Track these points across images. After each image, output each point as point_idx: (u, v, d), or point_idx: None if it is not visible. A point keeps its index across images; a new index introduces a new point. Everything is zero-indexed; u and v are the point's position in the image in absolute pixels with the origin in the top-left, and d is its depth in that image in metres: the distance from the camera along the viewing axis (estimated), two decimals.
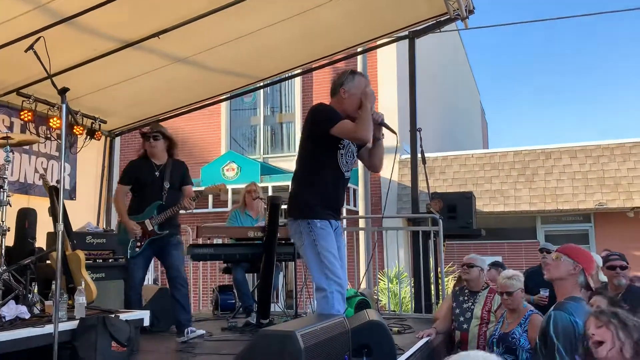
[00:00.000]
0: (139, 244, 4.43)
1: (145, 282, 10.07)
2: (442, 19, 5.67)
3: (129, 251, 4.44)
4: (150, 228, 4.43)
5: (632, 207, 10.31)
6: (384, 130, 3.29)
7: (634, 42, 52.12)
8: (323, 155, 3.23)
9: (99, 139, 6.55)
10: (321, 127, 3.18)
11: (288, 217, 3.30)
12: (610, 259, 4.28)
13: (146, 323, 3.98)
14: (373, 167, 3.43)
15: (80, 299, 3.53)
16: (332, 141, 3.20)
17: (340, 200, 3.38)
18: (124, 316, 3.66)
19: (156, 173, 4.48)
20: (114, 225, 7.61)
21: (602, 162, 10.81)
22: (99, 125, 6.48)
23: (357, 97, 3.22)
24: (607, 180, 10.60)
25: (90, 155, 6.69)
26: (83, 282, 3.82)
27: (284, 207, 4.35)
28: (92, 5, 4.13)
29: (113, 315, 3.56)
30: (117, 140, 7.89)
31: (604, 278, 4.67)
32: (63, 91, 3.02)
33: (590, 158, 10.95)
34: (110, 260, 5.19)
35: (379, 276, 9.44)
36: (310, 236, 3.13)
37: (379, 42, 6.66)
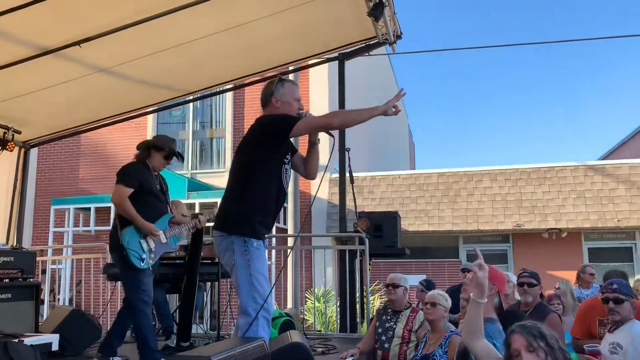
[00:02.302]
0: (152, 255, 4.06)
1: (60, 302, 9.52)
2: (371, 42, 5.79)
3: (137, 260, 3.95)
4: (164, 240, 4.15)
5: (547, 228, 10.90)
6: (320, 134, 3.20)
7: (551, 71, 55.80)
8: (268, 170, 3.06)
9: (11, 150, 6.13)
10: (281, 131, 3.01)
11: (218, 232, 3.06)
12: (520, 277, 4.49)
13: (55, 347, 3.73)
14: (310, 174, 3.31)
15: None
16: (279, 156, 3.09)
17: (276, 217, 3.27)
18: (29, 340, 3.41)
19: (157, 185, 4.25)
20: (25, 242, 7.16)
21: (520, 185, 11.38)
22: (12, 135, 6.07)
23: (290, 104, 3.13)
24: (524, 203, 11.16)
25: (2, 168, 6.24)
26: None
27: (208, 224, 4.25)
28: (9, 7, 3.90)
29: (17, 340, 3.31)
30: (34, 152, 7.45)
31: (519, 297, 4.87)
32: None
33: (509, 181, 11.50)
34: (19, 280, 4.85)
35: (306, 295, 9.40)
36: (244, 255, 2.96)
37: (310, 62, 6.73)
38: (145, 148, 4.34)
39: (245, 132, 3.26)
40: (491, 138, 67.03)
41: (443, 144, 66.41)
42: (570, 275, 8.09)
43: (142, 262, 3.98)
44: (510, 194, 11.34)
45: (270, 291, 3.07)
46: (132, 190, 4.03)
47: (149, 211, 4.07)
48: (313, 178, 3.36)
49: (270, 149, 3.05)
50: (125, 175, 4.11)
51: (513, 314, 4.24)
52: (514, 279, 5.16)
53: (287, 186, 3.23)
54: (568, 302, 5.90)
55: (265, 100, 3.20)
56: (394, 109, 3.03)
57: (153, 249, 4.07)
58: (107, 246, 6.18)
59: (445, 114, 64.52)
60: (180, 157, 4.54)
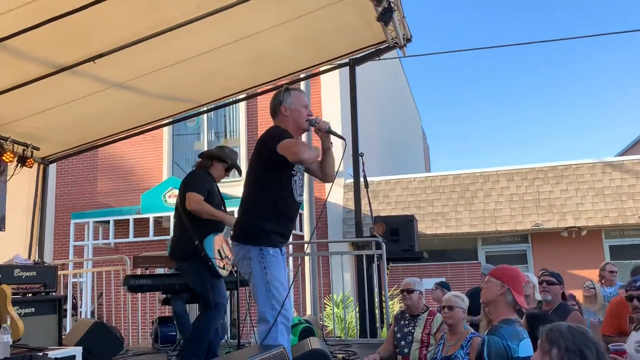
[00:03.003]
0: (228, 261, 4.13)
1: (83, 315, 9.62)
2: (381, 46, 5.81)
3: (219, 269, 4.03)
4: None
5: (566, 227, 10.77)
6: (332, 137, 3.23)
7: (567, 70, 55.28)
8: (276, 183, 3.13)
9: (31, 167, 6.25)
10: (267, 146, 3.09)
11: (236, 242, 3.15)
12: (541, 275, 4.45)
13: None
14: (326, 177, 3.34)
15: (5, 338, 3.31)
16: (285, 167, 3.12)
17: (293, 226, 3.32)
18: (53, 354, 3.46)
19: (217, 192, 4.32)
20: (47, 257, 7.26)
21: (537, 184, 11.27)
22: (32, 152, 6.19)
23: (299, 111, 3.19)
24: (542, 202, 11.05)
25: (22, 184, 6.37)
26: (8, 319, 3.59)
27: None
28: (24, 27, 3.99)
29: (41, 354, 3.36)
30: (52, 167, 7.58)
31: (539, 297, 4.82)
32: None
33: (526, 180, 11.40)
34: (41, 294, 4.92)
35: (325, 301, 9.39)
36: (261, 263, 3.01)
37: (321, 69, 6.76)
38: (209, 158, 4.41)
39: None
40: (506, 138, 66.52)
41: (458, 146, 66.06)
42: (591, 274, 8.00)
43: (223, 270, 4.10)
44: (527, 194, 11.24)
45: (286, 297, 3.08)
46: (203, 197, 4.10)
47: (215, 220, 4.12)
48: (330, 181, 3.38)
49: (272, 163, 3.11)
50: (197, 182, 4.19)
51: (538, 316, 4.19)
52: (534, 279, 5.11)
53: (299, 195, 3.24)
54: (599, 301, 5.85)
55: (275, 110, 3.26)
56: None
57: (228, 256, 4.16)
58: (127, 258, 6.29)
59: (460, 115, 64.19)
60: (239, 170, 4.60)
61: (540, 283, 4.42)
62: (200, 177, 4.27)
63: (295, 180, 3.18)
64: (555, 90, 58.51)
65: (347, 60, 6.30)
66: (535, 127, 63.23)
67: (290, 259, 9.24)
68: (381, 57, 6.21)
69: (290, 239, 3.63)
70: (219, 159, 4.39)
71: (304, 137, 3.59)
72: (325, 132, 3.14)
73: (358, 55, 6.17)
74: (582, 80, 56.23)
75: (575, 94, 57.79)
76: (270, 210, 3.11)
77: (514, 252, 11.68)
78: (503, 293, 2.86)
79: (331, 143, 3.25)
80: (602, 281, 6.62)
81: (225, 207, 4.44)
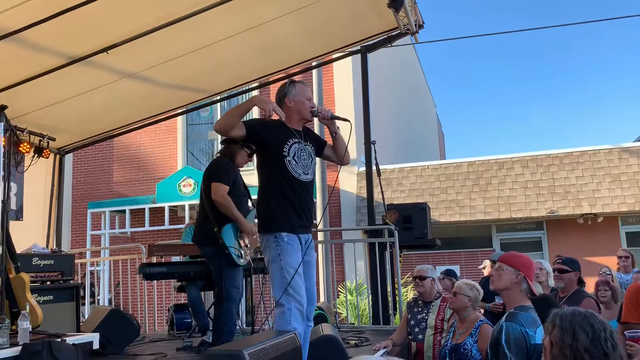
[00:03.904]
0: (248, 250, 4.19)
1: (100, 304, 9.78)
2: (393, 33, 5.77)
3: (237, 258, 4.09)
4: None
5: (582, 213, 10.67)
6: (338, 122, 3.38)
7: (581, 54, 54.39)
8: (271, 165, 3.24)
9: (47, 157, 6.33)
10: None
11: (258, 233, 3.30)
12: (555, 263, 4.42)
13: (96, 346, 3.87)
14: (340, 160, 3.49)
15: (24, 324, 3.39)
16: (274, 149, 3.21)
17: (307, 207, 3.32)
18: (71, 340, 3.54)
19: (240, 180, 4.37)
20: (64, 246, 7.39)
21: (552, 171, 11.17)
22: (47, 142, 6.28)
23: (303, 102, 3.32)
24: (557, 189, 10.95)
25: (39, 174, 6.47)
26: (28, 306, 3.68)
27: None
28: (36, 20, 4.03)
29: (59, 340, 3.44)
30: (69, 157, 7.68)
31: (553, 284, 4.80)
32: (0, 109, 2.92)
33: (540, 167, 11.29)
34: (59, 282, 5.02)
35: (339, 289, 9.44)
36: (275, 250, 3.10)
37: (333, 56, 6.73)
38: (231, 142, 4.43)
39: None
40: (521, 125, 65.77)
41: (474, 134, 65.47)
42: (608, 261, 7.93)
43: (242, 260, 4.13)
44: (542, 180, 11.14)
45: (311, 284, 3.17)
46: (229, 187, 4.15)
47: (237, 208, 4.17)
48: (347, 162, 3.53)
49: (265, 150, 3.27)
50: (222, 173, 4.22)
51: (545, 301, 4.19)
52: (548, 266, 5.09)
53: (303, 174, 3.28)
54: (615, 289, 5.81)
55: (279, 102, 3.38)
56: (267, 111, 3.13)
57: (248, 245, 4.21)
58: (143, 247, 6.37)
59: (474, 101, 63.56)
60: None
61: (554, 271, 4.42)
62: (225, 167, 4.30)
63: (289, 161, 3.23)
64: (571, 75, 57.65)
65: (358, 47, 6.27)
66: (551, 113, 62.44)
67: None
68: (393, 44, 6.17)
69: None
70: (241, 144, 4.42)
71: (310, 127, 3.63)
72: (329, 119, 3.32)
73: (370, 43, 6.14)
74: (599, 64, 55.31)
75: (592, 78, 56.90)
76: (277, 195, 3.21)
77: (529, 239, 11.62)
78: (518, 281, 2.86)
79: (338, 127, 3.40)
80: (619, 268, 6.58)
81: (250, 196, 4.48)
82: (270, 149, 3.23)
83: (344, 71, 11.51)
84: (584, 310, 1.97)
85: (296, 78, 7.86)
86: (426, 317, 4.29)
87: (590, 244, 10.63)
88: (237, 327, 5.62)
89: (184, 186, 11.08)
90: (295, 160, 3.25)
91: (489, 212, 11.12)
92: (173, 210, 11.44)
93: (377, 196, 6.72)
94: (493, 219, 11.22)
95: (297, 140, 3.30)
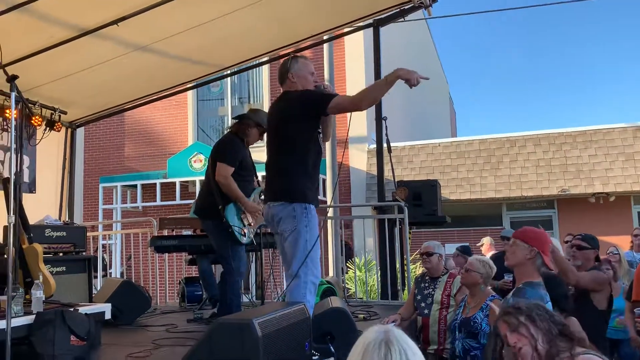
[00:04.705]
0: (251, 229, 4.22)
1: (114, 275, 9.94)
2: (406, 6, 5.69)
3: (240, 236, 4.13)
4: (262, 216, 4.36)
5: (594, 192, 10.59)
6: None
7: (598, 30, 53.36)
8: (307, 142, 3.23)
9: (59, 131, 6.36)
10: (320, 107, 3.17)
11: (277, 202, 3.19)
12: (573, 239, 4.36)
13: (108, 316, 3.93)
14: (326, 136, 3.48)
15: (38, 293, 3.45)
16: (314, 127, 3.23)
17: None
18: (83, 309, 3.59)
19: (249, 159, 4.38)
20: (76, 219, 7.47)
21: (564, 149, 11.05)
22: (59, 116, 6.30)
23: (306, 78, 3.30)
24: (569, 167, 10.85)
25: (51, 147, 6.50)
26: (41, 276, 3.73)
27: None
28: None
29: (72, 309, 3.49)
30: (80, 131, 7.71)
31: None
32: (12, 79, 2.92)
33: (553, 145, 11.18)
34: (72, 254, 5.09)
35: (347, 265, 9.49)
36: (303, 221, 3.10)
37: (344, 30, 6.65)
38: (242, 119, 4.43)
39: None
40: (534, 102, 65.00)
41: (486, 111, 64.85)
42: (620, 240, 7.88)
43: (244, 237, 4.17)
44: (554, 159, 11.04)
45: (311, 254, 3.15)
46: (234, 168, 4.16)
47: (242, 186, 4.19)
48: (327, 140, 3.55)
49: (308, 122, 3.22)
50: (228, 154, 4.23)
51: (550, 279, 4.17)
52: (558, 244, 5.06)
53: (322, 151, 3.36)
54: (623, 267, 5.77)
55: (282, 77, 3.39)
56: (413, 80, 3.12)
57: (252, 223, 4.24)
58: (154, 220, 6.42)
59: (487, 78, 62.82)
60: None
61: (570, 247, 4.37)
62: (232, 146, 4.29)
63: (319, 136, 3.30)
64: (585, 52, 56.68)
65: (370, 21, 6.18)
66: (564, 90, 61.61)
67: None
68: (406, 18, 6.08)
69: None
70: (254, 123, 4.41)
71: None
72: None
73: (382, 16, 6.05)
74: (613, 41, 54.27)
75: (606, 55, 55.89)
76: (307, 167, 3.21)
77: (540, 217, 11.56)
78: (532, 257, 2.85)
79: None
80: (632, 247, 6.54)
81: (256, 174, 4.48)
82: (314, 124, 3.23)
83: (356, 46, 11.38)
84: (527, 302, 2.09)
85: (307, 52, 7.82)
86: (432, 292, 4.31)
87: (601, 223, 10.56)
88: (247, 300, 5.70)
89: (194, 162, 11.12)
90: (319, 137, 3.32)
91: (500, 190, 11.06)
92: (184, 185, 11.51)
93: (387, 173, 6.70)
94: (504, 197, 11.17)
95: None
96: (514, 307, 2.10)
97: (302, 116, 3.20)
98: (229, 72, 6.99)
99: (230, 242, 4.15)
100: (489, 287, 3.97)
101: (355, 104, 3.16)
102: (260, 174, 4.39)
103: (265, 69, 11.96)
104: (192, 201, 9.49)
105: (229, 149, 4.27)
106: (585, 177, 10.68)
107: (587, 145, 10.96)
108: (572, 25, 56.77)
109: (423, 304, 4.33)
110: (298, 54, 3.52)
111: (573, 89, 60.89)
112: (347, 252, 9.25)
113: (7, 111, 5.63)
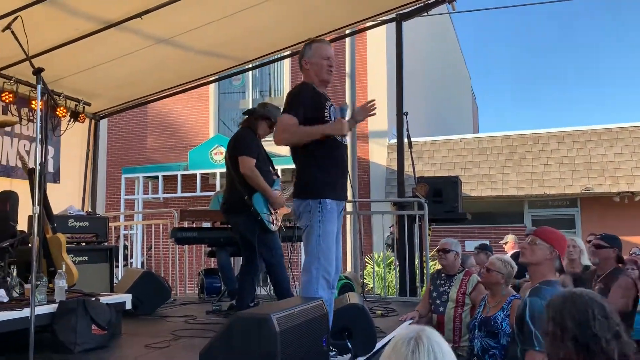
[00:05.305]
0: (271, 218, 4.22)
1: (133, 266, 10.06)
2: (430, 1, 5.63)
3: (269, 224, 4.14)
4: (287, 209, 4.37)
5: (619, 191, 10.40)
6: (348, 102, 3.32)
7: (626, 28, 52.20)
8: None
9: (82, 122, 6.46)
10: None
11: (296, 198, 3.17)
12: (593, 239, 4.31)
13: (128, 306, 3.98)
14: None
15: (61, 282, 3.51)
16: (317, 114, 3.11)
17: (347, 171, 3.31)
18: (104, 299, 3.64)
19: (263, 150, 4.41)
20: (99, 210, 7.57)
21: (589, 147, 10.86)
22: (83, 107, 6.40)
23: (317, 63, 3.19)
24: (594, 165, 10.66)
25: (75, 138, 6.61)
26: (64, 265, 3.79)
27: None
28: None
29: (94, 299, 3.55)
30: (104, 123, 7.80)
31: (586, 262, 4.71)
32: (38, 71, 2.96)
33: (577, 143, 11.00)
34: (94, 244, 5.17)
35: (366, 260, 9.48)
36: (317, 216, 3.04)
37: (367, 25, 6.61)
38: (254, 116, 4.43)
39: None
40: (558, 99, 63.93)
41: (508, 107, 64.04)
42: None
43: (273, 225, 4.18)
44: (578, 157, 10.85)
45: (338, 252, 3.16)
46: (255, 159, 4.16)
47: (264, 177, 4.19)
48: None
49: (302, 120, 3.10)
50: (247, 146, 4.23)
51: (576, 279, 4.12)
52: (580, 243, 4.99)
53: (342, 138, 3.23)
54: None
55: (300, 65, 3.31)
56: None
57: (277, 211, 4.26)
58: (175, 212, 6.48)
59: (511, 74, 61.99)
60: None
61: (591, 247, 4.32)
62: (249, 139, 4.29)
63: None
64: (612, 47, 55.53)
65: (393, 15, 6.14)
66: (590, 87, 60.49)
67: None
68: (430, 13, 6.02)
69: None
70: (262, 116, 4.41)
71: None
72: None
73: (405, 11, 6.00)
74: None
75: (637, 51, 54.66)
76: (323, 160, 3.11)
77: (562, 216, 11.40)
78: (552, 257, 2.82)
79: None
80: None
81: (273, 166, 4.49)
82: (313, 114, 3.11)
83: (378, 40, 11.31)
84: (569, 293, 1.89)
85: None
86: (448, 290, 4.29)
87: (625, 222, 10.37)
88: (265, 293, 5.73)
89: (215, 154, 11.19)
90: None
91: (522, 187, 10.93)
92: (204, 177, 11.59)
93: (407, 169, 6.66)
94: (525, 195, 11.04)
95: (330, 102, 3.22)
96: (552, 305, 1.91)
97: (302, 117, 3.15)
98: (250, 65, 7.01)
99: (260, 231, 4.13)
100: (510, 287, 3.93)
101: (278, 132, 3.14)
102: (279, 167, 4.41)
103: (286, 62, 11.95)
104: (212, 193, 9.57)
105: (246, 142, 4.28)
106: (610, 175, 10.49)
107: (612, 144, 10.75)
108: (604, 20, 55.64)
109: (438, 301, 4.31)
110: (316, 38, 3.38)
111: (600, 85, 59.76)
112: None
113: (33, 102, 5.73)
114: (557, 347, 1.79)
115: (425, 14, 6.03)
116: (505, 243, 7.36)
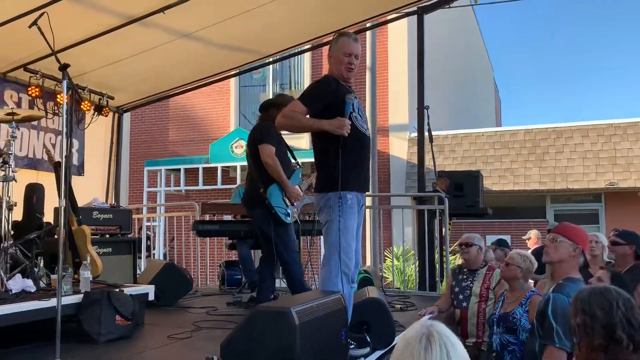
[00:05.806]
0: (295, 209, 4.27)
1: (155, 258, 10.19)
2: None
3: (285, 216, 4.16)
4: (304, 199, 4.42)
5: None
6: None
7: None
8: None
9: (106, 115, 6.56)
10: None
11: (317, 192, 3.17)
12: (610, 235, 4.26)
13: (151, 297, 4.05)
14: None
15: (86, 274, 3.59)
16: (334, 111, 3.07)
17: (369, 163, 3.30)
18: (128, 290, 3.72)
19: (282, 141, 4.44)
20: (122, 202, 7.69)
21: (614, 141, 10.66)
22: (107, 101, 6.50)
23: (337, 58, 3.18)
24: (618, 160, 10.47)
25: (99, 132, 6.72)
26: (89, 257, 3.88)
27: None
28: None
29: (118, 290, 3.62)
30: (127, 116, 7.91)
31: (607, 258, 4.65)
32: (64, 67, 3.02)
33: (602, 137, 10.80)
34: (117, 236, 5.26)
35: (385, 254, 9.47)
36: (337, 210, 3.03)
37: (388, 17, 6.58)
38: (270, 107, 4.46)
39: None
40: (583, 91, 62.75)
41: (531, 100, 63.06)
42: None
43: (289, 217, 4.19)
44: (603, 151, 10.66)
45: (358, 246, 3.16)
46: (274, 148, 4.18)
47: (283, 168, 4.21)
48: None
49: (323, 112, 3.09)
50: (267, 135, 4.24)
51: (615, 277, 4.05)
52: (603, 239, 4.92)
53: (366, 130, 3.23)
54: None
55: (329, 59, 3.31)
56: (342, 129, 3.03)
57: (295, 203, 4.28)
58: (197, 204, 6.56)
59: (534, 66, 60.96)
60: None
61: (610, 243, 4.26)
62: (269, 129, 4.29)
63: (355, 116, 3.14)
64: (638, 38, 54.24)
65: (415, 8, 6.10)
66: (616, 79, 59.22)
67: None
68: (451, 5, 5.97)
69: None
70: (279, 105, 4.42)
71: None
72: None
73: (427, 3, 5.96)
74: None
75: None
76: (345, 152, 3.05)
77: (585, 211, 11.23)
78: (576, 254, 2.80)
79: None
80: None
81: (295, 157, 4.51)
82: (335, 107, 3.07)
83: (399, 33, 11.23)
84: (601, 288, 1.99)
85: None
86: (471, 285, 4.26)
87: None
88: (285, 286, 5.77)
89: (236, 147, 11.26)
90: (360, 115, 3.18)
91: (544, 182, 10.79)
92: (225, 170, 11.68)
93: (428, 163, 6.63)
94: (548, 190, 10.89)
95: (354, 94, 3.18)
96: (580, 298, 2.03)
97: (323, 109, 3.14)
98: (271, 59, 7.03)
99: (275, 224, 4.14)
100: (530, 282, 3.90)
101: (279, 115, 3.16)
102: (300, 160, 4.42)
103: (307, 55, 11.94)
104: (233, 186, 9.65)
105: (265, 132, 4.29)
106: (635, 170, 10.29)
107: (638, 138, 10.53)
108: (632, 10, 54.34)
109: (461, 296, 4.29)
110: (345, 31, 3.38)
111: (624, 79, 58.48)
112: None
113: (59, 96, 5.84)
114: (589, 336, 1.89)
115: (447, 6, 5.98)
116: (528, 238, 7.28)
